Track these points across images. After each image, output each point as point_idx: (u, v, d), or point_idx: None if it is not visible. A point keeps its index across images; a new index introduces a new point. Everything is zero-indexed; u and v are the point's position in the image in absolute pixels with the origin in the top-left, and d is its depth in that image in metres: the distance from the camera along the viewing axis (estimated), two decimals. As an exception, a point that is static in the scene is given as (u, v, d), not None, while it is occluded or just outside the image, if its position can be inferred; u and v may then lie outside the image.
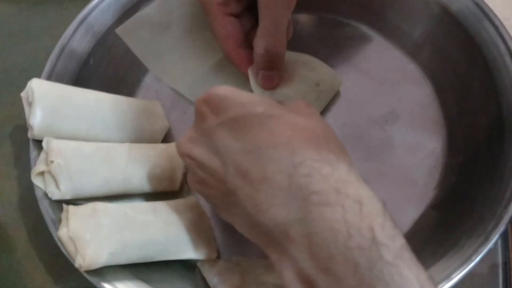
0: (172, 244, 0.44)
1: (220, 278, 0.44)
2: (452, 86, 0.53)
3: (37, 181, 0.45)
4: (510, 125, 0.47)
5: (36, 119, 0.45)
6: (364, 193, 0.33)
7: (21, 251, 0.49)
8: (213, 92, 0.39)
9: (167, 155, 0.48)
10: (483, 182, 0.47)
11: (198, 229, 0.46)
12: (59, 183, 0.44)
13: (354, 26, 0.57)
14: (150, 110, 0.51)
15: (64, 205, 0.44)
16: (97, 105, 0.48)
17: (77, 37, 0.52)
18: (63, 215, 0.44)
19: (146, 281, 0.43)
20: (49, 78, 0.50)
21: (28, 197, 0.50)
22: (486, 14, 0.50)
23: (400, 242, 0.32)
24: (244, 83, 0.50)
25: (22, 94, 0.47)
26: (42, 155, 0.46)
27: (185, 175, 0.49)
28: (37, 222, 0.48)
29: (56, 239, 0.43)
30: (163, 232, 0.44)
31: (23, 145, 0.47)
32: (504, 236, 0.48)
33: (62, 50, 0.51)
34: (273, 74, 0.48)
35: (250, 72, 0.49)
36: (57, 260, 0.46)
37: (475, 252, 0.42)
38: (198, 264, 0.45)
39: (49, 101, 0.46)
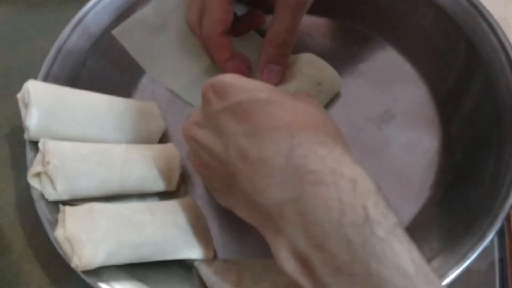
0: (169, 244, 0.44)
1: (217, 277, 0.44)
2: (447, 85, 0.53)
3: (33, 182, 0.45)
4: (506, 123, 0.47)
5: (33, 120, 0.45)
6: (358, 173, 0.34)
7: (18, 252, 0.49)
8: (219, 78, 0.40)
9: (163, 156, 0.48)
10: (479, 181, 0.47)
11: (195, 229, 0.46)
12: (56, 184, 0.44)
13: (350, 27, 0.57)
14: (146, 111, 0.51)
15: (61, 206, 0.44)
16: (93, 106, 0.48)
17: (74, 38, 0.52)
18: (60, 216, 0.44)
19: (143, 281, 0.43)
20: (46, 79, 0.50)
21: (24, 198, 0.50)
22: (481, 12, 0.50)
23: (392, 220, 0.33)
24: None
25: (18, 95, 0.47)
26: (39, 156, 0.46)
27: (182, 176, 0.49)
28: (34, 223, 0.48)
29: (52, 239, 0.43)
30: (160, 232, 0.44)
31: (20, 146, 0.48)
32: (500, 233, 0.48)
33: (59, 51, 0.51)
34: (280, 69, 0.50)
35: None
36: (54, 261, 0.46)
37: (471, 249, 0.42)
38: (195, 264, 0.45)
39: (45, 103, 0.46)
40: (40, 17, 0.61)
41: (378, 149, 0.51)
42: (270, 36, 0.48)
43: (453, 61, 0.53)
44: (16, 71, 0.57)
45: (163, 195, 0.49)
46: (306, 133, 0.35)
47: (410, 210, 0.49)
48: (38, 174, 0.45)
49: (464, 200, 0.47)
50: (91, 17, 0.53)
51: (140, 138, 0.50)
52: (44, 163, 0.44)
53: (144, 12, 0.54)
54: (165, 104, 0.54)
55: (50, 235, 0.43)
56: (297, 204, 0.34)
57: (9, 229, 0.50)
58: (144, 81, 0.56)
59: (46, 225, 0.44)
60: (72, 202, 0.45)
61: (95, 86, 0.51)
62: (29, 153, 0.46)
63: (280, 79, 0.50)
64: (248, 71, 0.52)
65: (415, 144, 0.51)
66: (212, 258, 0.46)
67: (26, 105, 0.46)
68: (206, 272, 0.44)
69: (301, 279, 0.34)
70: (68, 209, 0.43)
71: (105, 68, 0.54)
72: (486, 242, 0.42)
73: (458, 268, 0.42)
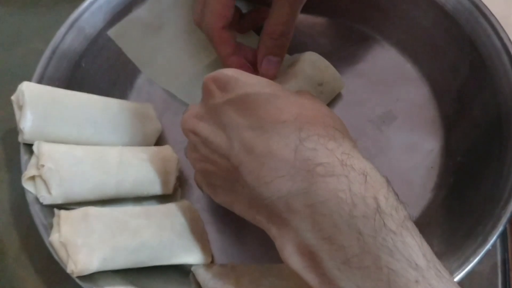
0: (166, 249, 0.44)
1: (215, 282, 0.43)
2: (449, 85, 0.52)
3: (28, 185, 0.44)
4: (508, 124, 0.46)
5: (27, 123, 0.45)
6: (368, 166, 0.34)
7: (13, 257, 0.49)
8: (222, 72, 0.40)
9: (160, 158, 0.48)
10: (481, 183, 0.46)
11: (192, 233, 0.45)
12: (50, 188, 0.43)
13: (350, 27, 0.57)
14: (142, 113, 0.51)
15: (56, 210, 0.43)
16: (88, 108, 0.48)
17: (69, 39, 0.51)
18: (55, 220, 0.43)
19: (139, 287, 0.43)
20: (41, 80, 0.49)
21: (19, 202, 0.49)
22: (482, 12, 0.50)
23: (403, 213, 0.33)
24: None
25: (13, 97, 0.46)
26: (33, 159, 0.45)
27: (178, 179, 0.49)
28: (28, 227, 0.47)
29: (47, 244, 0.42)
30: (156, 236, 0.43)
31: (14, 149, 0.47)
32: (503, 236, 0.47)
33: (54, 52, 0.51)
34: (279, 60, 0.50)
35: None
36: (49, 265, 0.46)
37: (474, 253, 0.42)
38: (192, 269, 0.45)
39: (40, 105, 0.45)
40: (35, 18, 0.60)
41: (378, 150, 0.51)
42: (268, 28, 0.48)
43: (454, 61, 0.52)
44: (11, 72, 0.56)
45: (160, 199, 0.48)
46: (314, 126, 0.35)
47: (412, 213, 0.48)
48: (32, 178, 0.44)
49: (466, 202, 0.46)
50: (86, 18, 0.52)
51: (136, 140, 0.49)
52: (39, 167, 0.44)
53: (139, 13, 0.54)
54: (161, 106, 0.54)
55: (45, 239, 0.43)
56: (306, 196, 0.33)
57: (3, 233, 0.50)
58: (140, 82, 0.55)
59: (41, 230, 0.43)
60: (67, 206, 0.44)
61: (90, 87, 0.51)
62: (24, 156, 0.46)
63: (277, 70, 0.50)
64: (251, 65, 0.51)
65: (416, 145, 0.51)
66: (209, 263, 0.45)
67: (21, 107, 0.45)
68: (203, 277, 0.44)
69: (307, 274, 0.34)
70: (63, 213, 0.43)
71: (100, 69, 0.54)
72: (488, 245, 0.42)
73: (460, 272, 0.41)
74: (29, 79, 0.48)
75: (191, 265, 0.45)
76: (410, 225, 0.32)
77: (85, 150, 0.46)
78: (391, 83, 0.54)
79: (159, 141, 0.52)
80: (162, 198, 0.48)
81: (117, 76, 0.54)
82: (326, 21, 0.57)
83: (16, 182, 0.46)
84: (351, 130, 0.51)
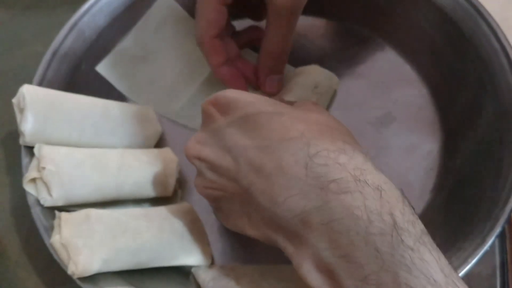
0: (166, 250, 0.44)
1: (215, 283, 0.43)
2: (448, 87, 0.53)
3: (29, 188, 0.44)
4: (507, 125, 0.46)
5: (28, 125, 0.45)
6: (382, 180, 0.34)
7: (14, 259, 0.49)
8: (220, 94, 0.39)
9: (160, 161, 0.48)
10: (480, 184, 0.46)
11: (192, 235, 0.45)
12: (51, 190, 0.43)
13: (349, 28, 0.57)
14: (142, 115, 0.51)
15: (57, 212, 0.44)
16: (89, 110, 0.48)
17: (69, 42, 0.51)
18: (56, 222, 0.43)
19: (139, 287, 0.43)
20: (41, 83, 0.49)
21: (20, 204, 0.49)
22: (481, 14, 0.50)
23: (419, 227, 0.32)
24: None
25: (14, 100, 0.46)
26: (34, 161, 0.45)
27: (178, 181, 0.49)
28: (29, 229, 0.47)
29: (48, 246, 0.42)
30: (156, 238, 0.43)
31: (15, 151, 0.47)
32: (501, 237, 0.47)
33: (54, 55, 0.51)
34: (281, 77, 0.50)
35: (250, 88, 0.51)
36: (50, 267, 0.45)
37: (472, 254, 0.42)
38: (192, 270, 0.45)
39: (40, 107, 0.46)
40: (35, 21, 0.60)
41: (377, 152, 0.51)
42: (268, 48, 0.48)
43: (453, 63, 0.52)
44: (11, 75, 0.56)
45: (160, 201, 0.48)
46: (322, 141, 0.35)
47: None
48: (33, 180, 0.44)
49: (465, 204, 0.46)
50: (86, 21, 0.52)
51: (136, 143, 0.50)
52: (40, 169, 0.44)
53: (124, 44, 0.54)
54: (161, 108, 0.54)
55: (46, 241, 0.43)
56: (321, 213, 0.33)
57: (4, 235, 0.50)
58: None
59: (42, 231, 0.43)
60: (68, 208, 0.44)
61: (91, 89, 0.51)
62: (25, 159, 0.46)
63: (281, 86, 0.50)
64: (250, 79, 0.51)
65: (415, 147, 0.51)
66: (209, 264, 0.46)
67: (21, 110, 0.45)
68: (203, 278, 0.44)
69: None
70: (64, 215, 0.43)
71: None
72: (487, 246, 0.41)
73: (459, 273, 0.41)
74: (30, 82, 0.48)
75: (191, 267, 0.45)
76: (427, 239, 0.32)
77: (85, 153, 0.46)
78: (390, 84, 0.54)
79: (159, 143, 0.52)
80: (162, 200, 0.48)
81: (117, 79, 0.54)
82: (325, 23, 0.57)
83: (17, 185, 0.46)
84: (350, 132, 0.52)
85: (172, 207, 0.46)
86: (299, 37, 0.57)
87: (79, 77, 0.52)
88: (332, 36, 0.57)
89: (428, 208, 0.49)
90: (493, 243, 0.42)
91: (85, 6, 0.52)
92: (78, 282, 0.41)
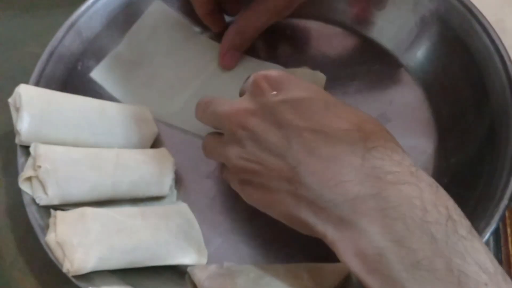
0: (162, 250, 0.44)
1: (210, 283, 0.43)
2: (442, 88, 0.53)
3: (24, 186, 0.44)
4: (500, 126, 0.47)
5: (24, 125, 0.45)
6: (433, 180, 0.36)
7: (9, 260, 0.49)
8: (272, 72, 0.40)
9: (156, 161, 0.48)
10: (474, 183, 0.47)
11: (188, 235, 0.45)
12: (47, 188, 0.43)
13: (342, 29, 0.57)
14: (138, 116, 0.51)
15: (52, 211, 0.44)
16: (85, 110, 0.48)
17: (66, 42, 0.52)
18: (51, 221, 0.43)
19: (135, 286, 0.43)
20: (38, 83, 0.49)
21: (16, 204, 0.49)
22: (475, 15, 0.50)
23: (468, 222, 0.34)
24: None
25: (10, 99, 0.46)
26: (30, 160, 0.45)
27: (174, 181, 0.49)
28: (25, 229, 0.47)
29: (44, 244, 0.42)
30: (152, 237, 0.43)
31: (11, 151, 0.47)
32: (496, 234, 0.47)
33: (51, 55, 0.51)
34: (240, 54, 0.54)
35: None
36: (46, 268, 0.45)
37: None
38: (188, 270, 0.45)
39: (36, 107, 0.46)
40: (32, 22, 0.61)
41: (373, 152, 0.51)
42: (241, 28, 0.51)
43: (447, 64, 0.52)
44: (8, 75, 0.56)
45: (156, 200, 0.48)
46: (378, 138, 0.36)
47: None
48: (29, 179, 0.44)
49: (459, 202, 0.46)
50: (83, 22, 0.53)
51: (132, 143, 0.50)
52: (35, 168, 0.44)
53: (118, 50, 0.54)
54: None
55: (41, 240, 0.43)
56: (376, 200, 0.34)
57: (0, 235, 0.50)
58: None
59: (37, 230, 0.43)
60: (64, 206, 0.44)
61: (87, 90, 0.51)
62: (20, 158, 0.46)
63: (237, 62, 0.54)
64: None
65: (410, 147, 0.50)
66: (205, 263, 0.45)
67: (18, 110, 0.45)
68: (199, 278, 0.44)
69: (367, 276, 0.34)
70: (59, 213, 0.43)
71: (97, 72, 0.54)
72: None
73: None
74: (27, 82, 0.48)
75: (187, 266, 0.45)
76: (475, 233, 0.34)
77: (81, 152, 0.46)
78: (384, 85, 0.54)
79: (155, 143, 0.52)
80: (158, 200, 0.48)
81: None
82: (319, 25, 0.57)
83: (13, 185, 0.45)
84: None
85: (168, 206, 0.46)
86: (296, 39, 0.57)
87: (76, 78, 0.52)
88: (327, 38, 0.57)
89: (423, 208, 0.48)
90: (488, 240, 0.42)
91: (82, 7, 0.53)
92: (73, 280, 0.41)
